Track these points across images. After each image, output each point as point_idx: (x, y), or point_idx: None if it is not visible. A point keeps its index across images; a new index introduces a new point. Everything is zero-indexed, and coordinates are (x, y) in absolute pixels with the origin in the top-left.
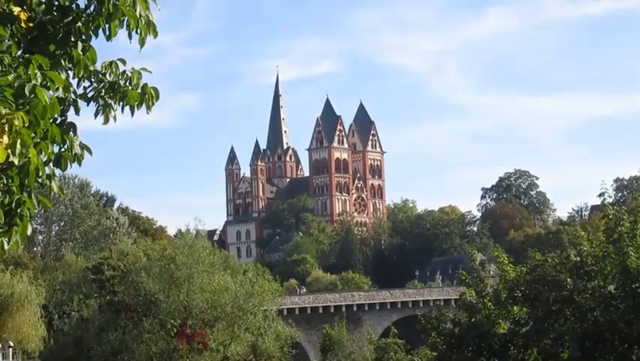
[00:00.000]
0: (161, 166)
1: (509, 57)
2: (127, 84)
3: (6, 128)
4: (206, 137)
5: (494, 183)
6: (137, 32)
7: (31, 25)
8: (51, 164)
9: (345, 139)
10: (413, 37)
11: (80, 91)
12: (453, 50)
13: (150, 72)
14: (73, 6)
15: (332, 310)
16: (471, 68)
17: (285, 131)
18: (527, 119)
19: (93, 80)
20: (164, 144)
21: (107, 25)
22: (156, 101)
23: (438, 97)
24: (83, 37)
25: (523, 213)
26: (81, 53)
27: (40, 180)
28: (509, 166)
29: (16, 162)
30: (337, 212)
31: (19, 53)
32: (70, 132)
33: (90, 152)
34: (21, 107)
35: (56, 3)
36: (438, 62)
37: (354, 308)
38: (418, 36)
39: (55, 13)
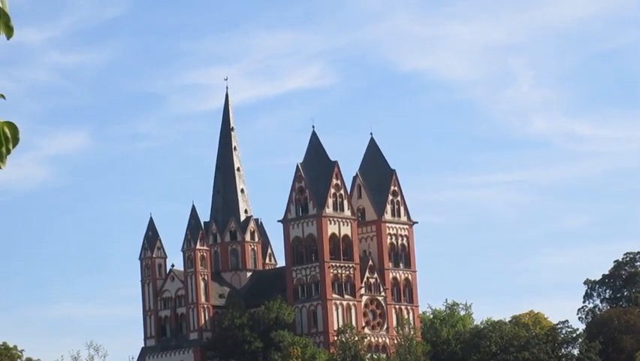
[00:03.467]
0: (26, 255)
1: (622, 49)
2: None
3: None
4: (104, 202)
5: (606, 273)
6: None
7: None
8: None
9: (346, 202)
10: (454, 26)
11: None
12: (524, 43)
13: (3, 97)
14: None
15: None
16: (558, 74)
17: (243, 191)
18: None
19: None
20: (31, 217)
21: None
22: (14, 146)
23: (501, 126)
24: None
25: None
26: None
27: None
28: (632, 242)
29: None
30: (336, 328)
31: None
32: None
33: None
34: None
35: None
36: (498, 65)
37: None
38: (461, 24)
39: None
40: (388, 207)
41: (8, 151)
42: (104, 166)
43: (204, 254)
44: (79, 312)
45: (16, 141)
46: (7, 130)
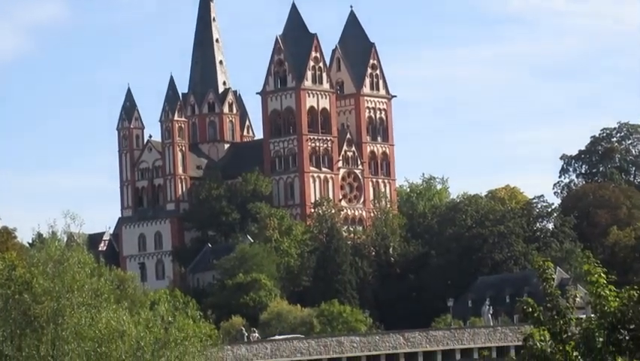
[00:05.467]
0: (2, 125)
1: None
2: None
3: None
4: (81, 73)
5: (583, 148)
6: None
7: None
8: None
9: (324, 75)
10: None
11: None
12: None
13: None
14: None
15: None
16: None
17: (221, 63)
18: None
19: None
20: (8, 86)
21: None
22: None
23: (480, 2)
24: None
25: (635, 199)
26: None
27: None
28: (609, 118)
29: None
30: (312, 200)
31: None
32: None
33: None
34: None
35: None
36: None
37: None
38: None
39: None
40: (367, 81)
41: None
42: (81, 36)
43: (182, 125)
44: (55, 181)
45: None
46: None
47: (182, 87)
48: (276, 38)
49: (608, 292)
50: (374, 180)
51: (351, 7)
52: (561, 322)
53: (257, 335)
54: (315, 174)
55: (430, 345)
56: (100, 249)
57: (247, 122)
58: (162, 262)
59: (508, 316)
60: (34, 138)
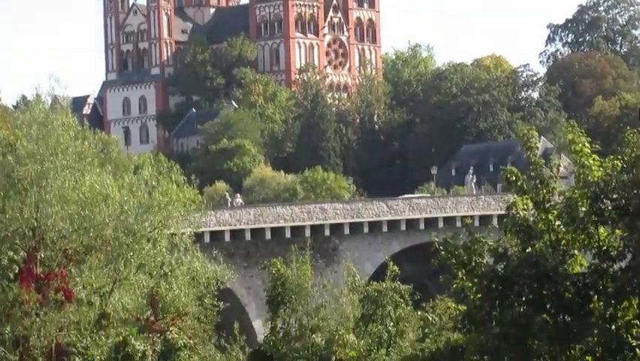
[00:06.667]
0: None
1: None
2: None
3: None
4: None
5: (569, 17)
6: None
7: None
8: None
9: None
10: None
11: None
12: None
13: None
14: None
15: (288, 234)
16: None
17: None
18: None
19: None
20: None
21: None
22: None
23: None
24: None
25: (620, 69)
26: None
27: None
28: None
29: None
30: (298, 67)
31: None
32: None
33: None
34: None
35: None
36: None
37: (327, 232)
38: None
39: None
40: None
41: None
42: None
43: None
44: (39, 45)
45: None
46: None
47: None
48: None
49: (591, 161)
50: (360, 46)
51: None
52: (544, 191)
53: (240, 200)
54: (301, 40)
55: (413, 213)
56: (84, 112)
57: None
58: (146, 126)
59: (492, 184)
60: (19, 1)
